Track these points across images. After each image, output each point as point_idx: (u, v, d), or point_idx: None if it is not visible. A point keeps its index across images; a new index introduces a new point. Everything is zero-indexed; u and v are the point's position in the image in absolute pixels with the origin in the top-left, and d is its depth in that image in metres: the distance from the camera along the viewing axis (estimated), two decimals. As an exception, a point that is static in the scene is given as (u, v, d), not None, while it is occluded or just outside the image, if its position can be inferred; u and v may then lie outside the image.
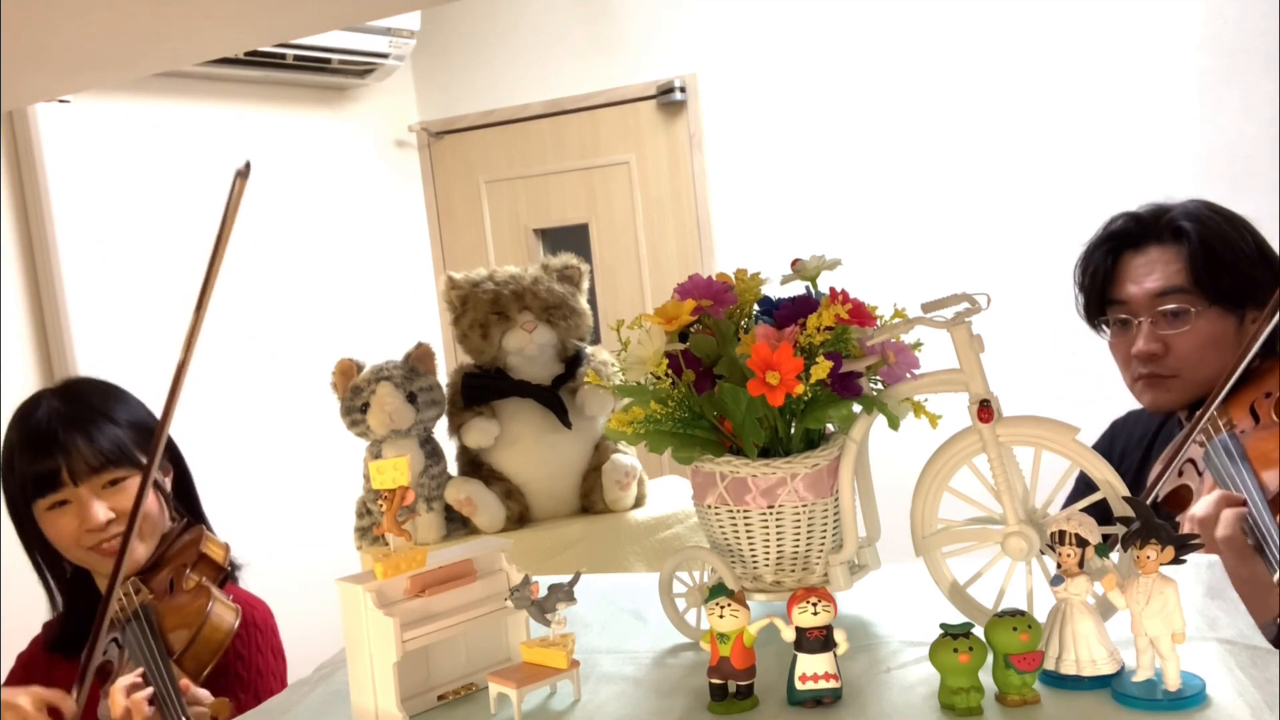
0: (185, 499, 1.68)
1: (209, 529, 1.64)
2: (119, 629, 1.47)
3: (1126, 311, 1.57)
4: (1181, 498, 1.45)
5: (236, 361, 3.22)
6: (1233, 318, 1.53)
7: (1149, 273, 1.55)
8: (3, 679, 1.63)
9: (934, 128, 3.38)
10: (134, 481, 1.53)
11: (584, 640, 1.08)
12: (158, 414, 1.57)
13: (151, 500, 1.56)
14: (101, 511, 1.51)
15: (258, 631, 1.58)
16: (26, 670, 1.63)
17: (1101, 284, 1.60)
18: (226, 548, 1.61)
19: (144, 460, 1.53)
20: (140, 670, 1.40)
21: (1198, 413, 1.46)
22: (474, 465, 1.70)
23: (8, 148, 2.79)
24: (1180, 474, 1.46)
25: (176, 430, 1.50)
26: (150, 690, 1.37)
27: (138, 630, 1.45)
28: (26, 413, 1.57)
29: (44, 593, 1.65)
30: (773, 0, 3.52)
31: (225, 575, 1.59)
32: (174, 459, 1.67)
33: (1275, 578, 1.24)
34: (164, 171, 3.12)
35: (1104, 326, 1.64)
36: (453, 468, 1.73)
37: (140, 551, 1.55)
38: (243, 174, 1.31)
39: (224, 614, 1.50)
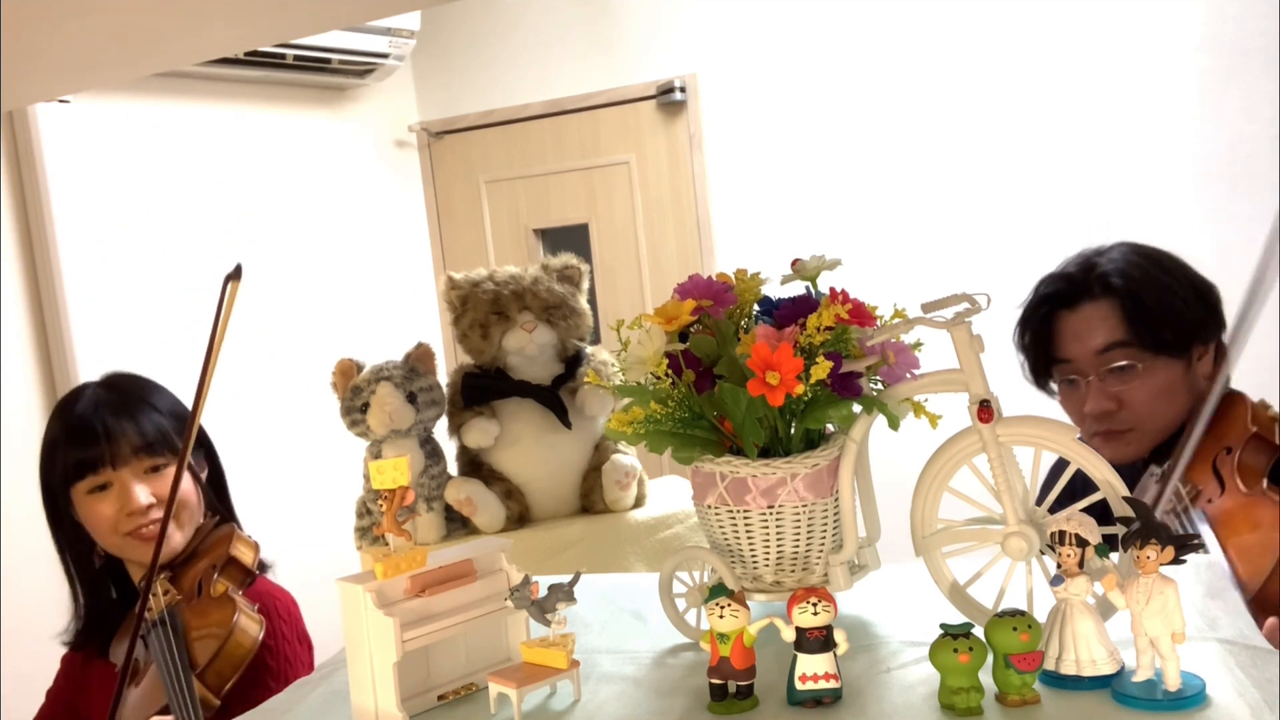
0: (218, 496, 1.68)
1: (239, 528, 1.64)
2: (146, 629, 1.46)
3: (1073, 370, 1.54)
4: None
5: (236, 361, 3.21)
6: (1179, 362, 1.50)
7: (1089, 329, 1.51)
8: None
9: (934, 127, 3.38)
10: (174, 468, 1.53)
11: (584, 640, 1.08)
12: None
13: (189, 488, 1.57)
14: (143, 494, 1.52)
15: (283, 621, 1.58)
16: (67, 678, 1.64)
17: (1044, 345, 1.57)
18: (256, 548, 1.60)
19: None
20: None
21: (1164, 472, 1.43)
22: (474, 465, 1.70)
23: (8, 148, 2.79)
24: None
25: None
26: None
27: (162, 635, 1.44)
28: (69, 403, 1.58)
29: (68, 591, 1.64)
30: (773, 0, 3.52)
31: (252, 578, 1.59)
32: (209, 455, 1.68)
33: None
34: (164, 171, 3.12)
35: (1051, 386, 1.61)
36: (453, 468, 1.73)
37: (177, 539, 1.55)
38: (233, 277, 1.32)
39: (249, 627, 1.48)
